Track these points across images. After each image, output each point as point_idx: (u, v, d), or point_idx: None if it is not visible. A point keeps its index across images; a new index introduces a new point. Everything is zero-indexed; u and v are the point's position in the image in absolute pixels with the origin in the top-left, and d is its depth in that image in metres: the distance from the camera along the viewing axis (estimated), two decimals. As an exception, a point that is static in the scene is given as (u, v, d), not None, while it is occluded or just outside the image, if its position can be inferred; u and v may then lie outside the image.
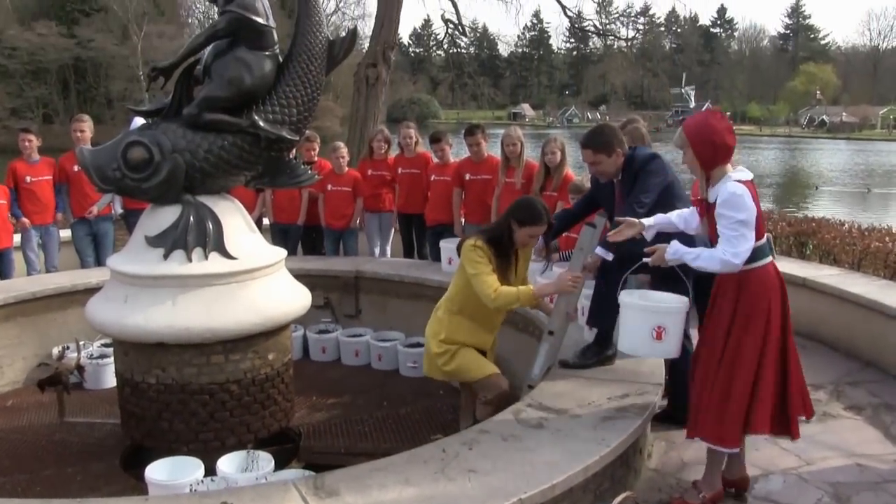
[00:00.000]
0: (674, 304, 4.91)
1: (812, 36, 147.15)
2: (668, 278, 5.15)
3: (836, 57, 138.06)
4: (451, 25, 25.01)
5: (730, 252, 4.34)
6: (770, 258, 4.56)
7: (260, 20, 5.50)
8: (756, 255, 4.45)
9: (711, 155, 4.47)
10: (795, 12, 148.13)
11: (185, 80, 5.65)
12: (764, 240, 4.50)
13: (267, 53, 5.61)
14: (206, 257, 5.38)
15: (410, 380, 7.75)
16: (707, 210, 4.59)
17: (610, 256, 5.29)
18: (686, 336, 5.41)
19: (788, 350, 4.55)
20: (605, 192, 5.83)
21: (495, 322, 5.70)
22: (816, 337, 7.87)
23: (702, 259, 4.45)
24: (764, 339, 4.46)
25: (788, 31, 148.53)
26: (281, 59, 5.77)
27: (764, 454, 5.40)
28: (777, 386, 4.51)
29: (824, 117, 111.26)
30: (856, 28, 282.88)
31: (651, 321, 4.82)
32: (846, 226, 10.59)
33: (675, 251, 4.59)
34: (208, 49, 5.63)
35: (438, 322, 5.61)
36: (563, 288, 5.29)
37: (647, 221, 4.99)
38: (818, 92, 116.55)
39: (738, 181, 4.41)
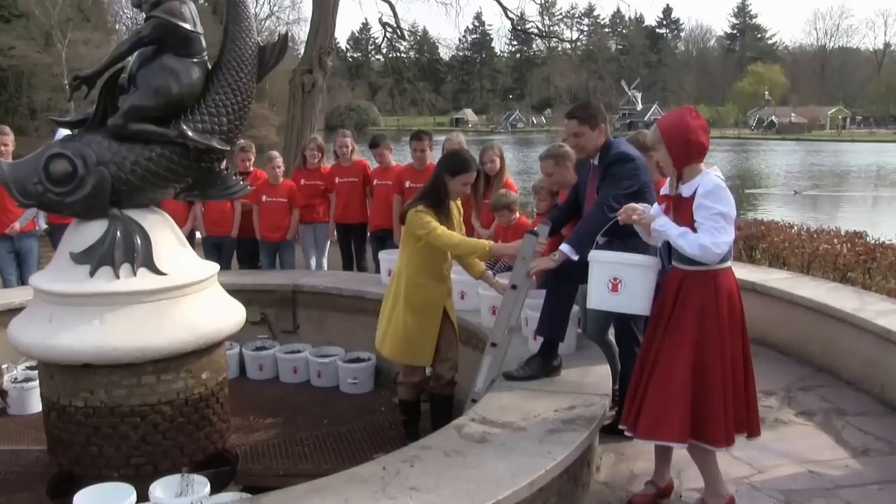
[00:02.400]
0: (636, 259, 4.86)
1: (759, 36, 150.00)
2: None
3: (784, 57, 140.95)
4: (389, 29, 25.00)
5: (709, 241, 4.41)
6: (730, 263, 4.69)
7: (187, 26, 5.46)
8: (726, 256, 4.57)
9: (684, 152, 4.53)
10: (742, 12, 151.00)
11: (109, 89, 5.58)
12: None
13: (195, 60, 5.58)
14: (135, 274, 5.32)
15: (351, 397, 7.76)
16: (676, 205, 4.63)
17: (576, 256, 5.30)
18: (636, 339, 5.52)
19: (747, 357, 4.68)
20: (582, 176, 5.94)
21: (445, 273, 6.05)
22: (767, 342, 7.98)
23: (684, 239, 4.46)
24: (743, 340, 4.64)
25: (735, 31, 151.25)
26: (210, 67, 5.75)
27: (714, 463, 5.48)
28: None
29: (773, 118, 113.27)
30: (802, 28, 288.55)
31: (607, 272, 4.81)
32: (795, 228, 10.79)
33: (663, 223, 4.58)
34: (133, 57, 5.59)
35: (398, 291, 5.98)
36: (523, 250, 5.49)
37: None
38: (766, 93, 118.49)
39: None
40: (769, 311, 8.00)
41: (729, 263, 4.66)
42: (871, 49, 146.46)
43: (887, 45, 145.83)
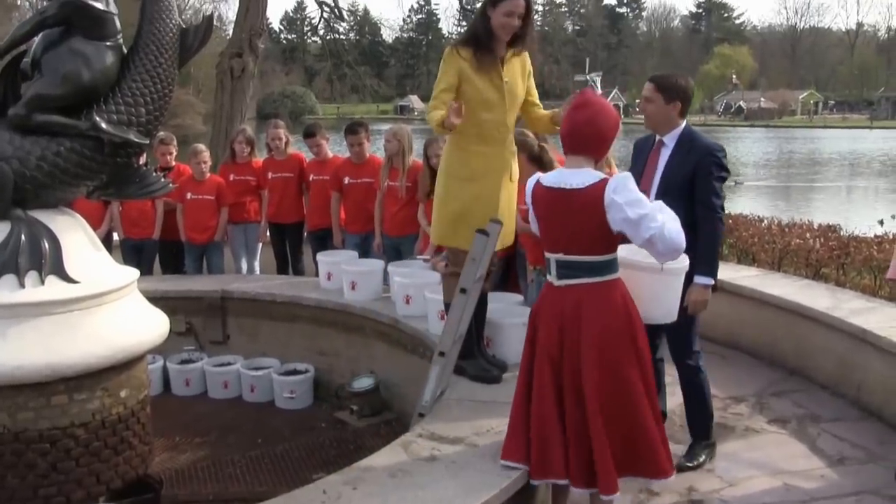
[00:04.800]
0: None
1: (726, 15, 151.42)
2: None
3: (752, 38, 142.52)
4: (326, 9, 24.91)
5: None
6: (548, 279, 4.64)
7: (98, 6, 5.35)
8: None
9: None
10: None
11: (9, 74, 5.45)
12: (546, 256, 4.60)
13: (108, 44, 5.46)
14: (43, 282, 5.19)
15: (288, 412, 7.69)
16: None
17: (714, 281, 5.44)
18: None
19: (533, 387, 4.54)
20: (641, 159, 5.93)
21: (504, 136, 5.70)
22: (736, 344, 8.06)
23: None
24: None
25: (700, 10, 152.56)
26: (125, 51, 5.64)
27: (684, 477, 5.50)
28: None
29: (741, 103, 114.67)
30: (771, 7, 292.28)
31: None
32: (765, 222, 10.89)
33: None
34: (37, 39, 5.47)
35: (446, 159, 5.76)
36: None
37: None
38: (734, 76, 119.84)
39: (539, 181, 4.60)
40: (738, 311, 8.06)
41: (549, 278, 4.63)
42: (844, 29, 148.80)
43: (860, 24, 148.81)
